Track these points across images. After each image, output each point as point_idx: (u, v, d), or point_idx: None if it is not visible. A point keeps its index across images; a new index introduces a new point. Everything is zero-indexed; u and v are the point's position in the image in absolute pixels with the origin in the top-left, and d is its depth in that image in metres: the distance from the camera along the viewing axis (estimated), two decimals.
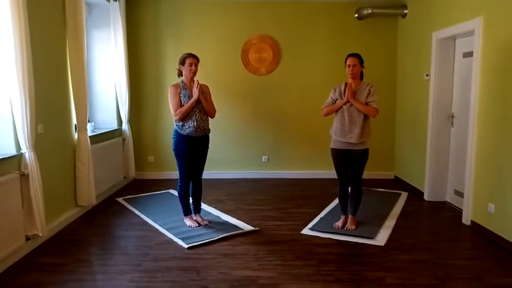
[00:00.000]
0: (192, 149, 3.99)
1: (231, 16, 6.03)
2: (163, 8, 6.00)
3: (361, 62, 3.84)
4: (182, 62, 3.92)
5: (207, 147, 4.14)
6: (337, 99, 3.91)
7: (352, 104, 3.80)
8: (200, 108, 3.94)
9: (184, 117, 3.90)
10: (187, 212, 4.18)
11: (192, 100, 3.86)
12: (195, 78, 3.95)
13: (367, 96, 3.79)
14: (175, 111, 3.89)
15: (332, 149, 4.00)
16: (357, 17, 5.95)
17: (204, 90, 4.00)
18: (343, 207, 4.11)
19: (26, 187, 3.39)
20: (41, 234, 3.51)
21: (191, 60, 3.90)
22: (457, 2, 4.40)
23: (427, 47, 5.02)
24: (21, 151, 3.39)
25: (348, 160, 3.93)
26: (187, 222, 4.13)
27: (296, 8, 6.01)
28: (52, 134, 3.97)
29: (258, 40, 6.06)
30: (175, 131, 3.99)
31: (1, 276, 3.09)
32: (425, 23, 5.11)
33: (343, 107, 3.84)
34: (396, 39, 6.06)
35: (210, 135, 4.19)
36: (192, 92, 3.90)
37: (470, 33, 4.20)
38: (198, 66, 3.97)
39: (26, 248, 3.48)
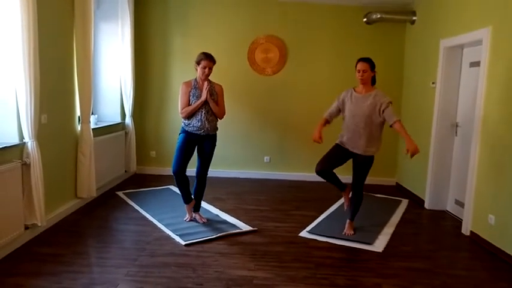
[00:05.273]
0: (193, 144, 4.01)
1: (239, 15, 6.02)
2: (172, 4, 6.00)
3: (372, 67, 3.75)
4: (198, 62, 3.91)
5: (213, 146, 4.11)
6: (339, 110, 3.88)
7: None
8: (208, 109, 3.94)
9: (190, 116, 3.92)
10: (186, 200, 4.13)
11: (199, 102, 3.87)
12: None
13: (380, 110, 3.65)
14: (181, 110, 3.92)
15: (337, 143, 3.93)
16: (365, 21, 5.94)
17: (215, 91, 4.00)
18: (336, 184, 3.96)
19: (27, 176, 3.40)
20: (40, 224, 3.52)
21: (206, 63, 3.87)
22: (466, 11, 4.38)
23: (434, 54, 5.00)
24: (23, 140, 3.41)
25: (345, 159, 3.88)
26: (186, 211, 4.19)
27: (304, 10, 5.99)
28: (55, 124, 3.99)
29: (265, 40, 6.05)
30: (182, 126, 4.02)
31: None
32: (434, 31, 5.09)
33: (348, 116, 3.79)
34: (404, 46, 6.04)
35: None
36: (202, 92, 3.91)
37: (478, 42, 4.17)
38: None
39: (25, 237, 3.49)
